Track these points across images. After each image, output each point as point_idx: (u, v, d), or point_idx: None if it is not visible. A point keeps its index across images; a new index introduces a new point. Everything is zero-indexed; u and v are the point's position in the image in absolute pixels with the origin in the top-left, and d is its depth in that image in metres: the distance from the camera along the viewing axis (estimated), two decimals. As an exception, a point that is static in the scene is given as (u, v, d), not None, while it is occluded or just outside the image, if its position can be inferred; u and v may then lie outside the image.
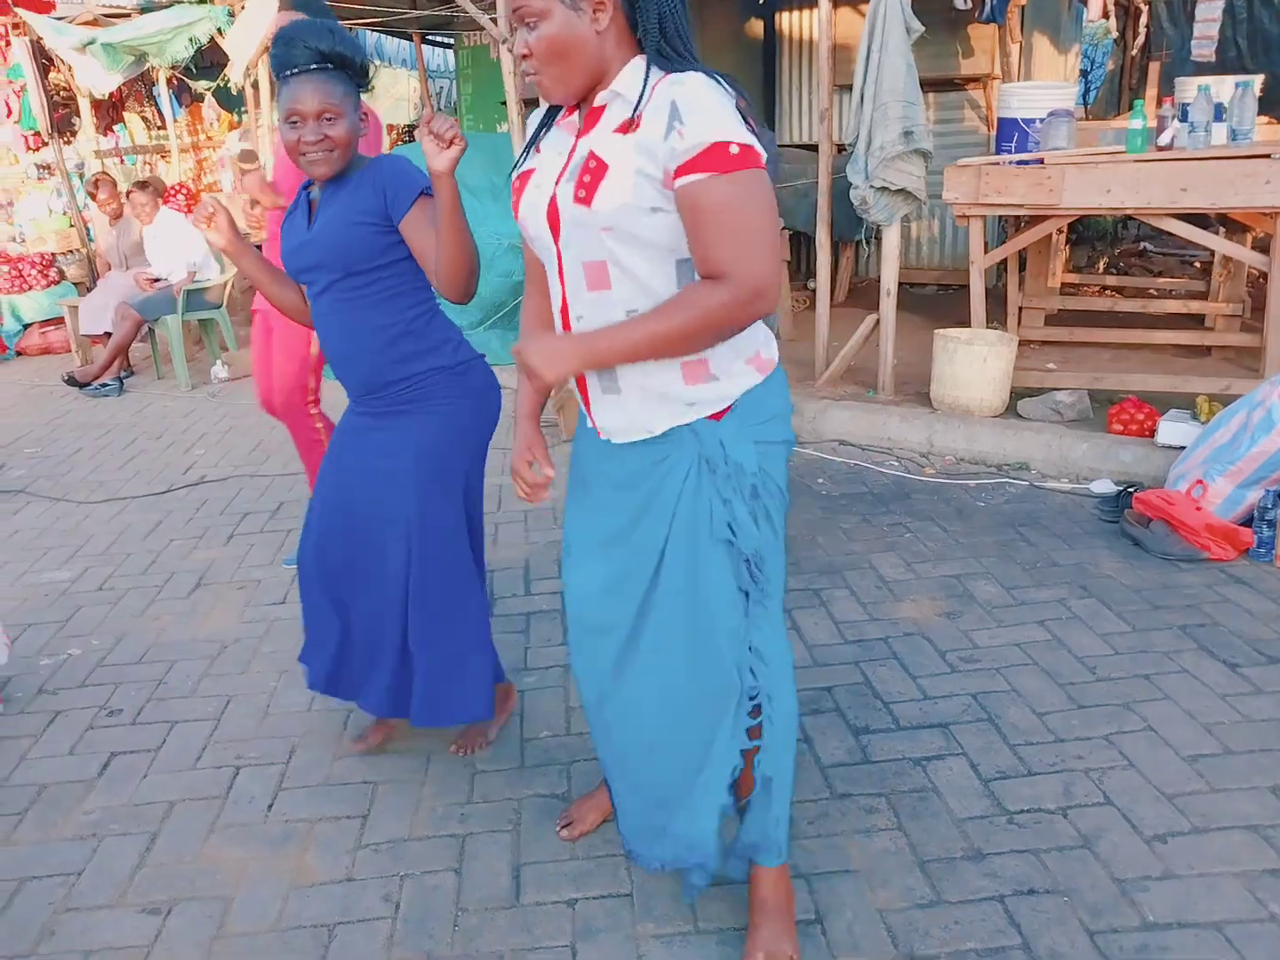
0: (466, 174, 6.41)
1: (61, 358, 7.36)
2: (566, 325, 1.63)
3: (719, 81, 1.43)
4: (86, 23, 7.88)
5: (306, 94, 2.03)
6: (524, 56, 1.47)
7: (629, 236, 1.47)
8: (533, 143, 1.63)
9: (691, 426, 1.61)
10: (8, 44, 8.03)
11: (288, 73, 2.04)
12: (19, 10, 7.58)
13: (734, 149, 1.38)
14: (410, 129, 10.06)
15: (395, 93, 10.23)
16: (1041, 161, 4.16)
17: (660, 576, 1.67)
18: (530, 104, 6.31)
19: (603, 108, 1.50)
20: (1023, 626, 2.99)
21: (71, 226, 8.24)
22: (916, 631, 3.00)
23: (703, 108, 1.37)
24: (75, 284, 8.03)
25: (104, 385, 6.25)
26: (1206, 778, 2.28)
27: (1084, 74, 7.05)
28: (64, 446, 5.31)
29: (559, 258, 1.58)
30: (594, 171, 1.45)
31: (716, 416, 1.60)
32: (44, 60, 7.89)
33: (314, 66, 2.03)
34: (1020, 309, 5.19)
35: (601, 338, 1.49)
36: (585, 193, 1.46)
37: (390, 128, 10.05)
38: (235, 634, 3.20)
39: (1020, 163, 4.24)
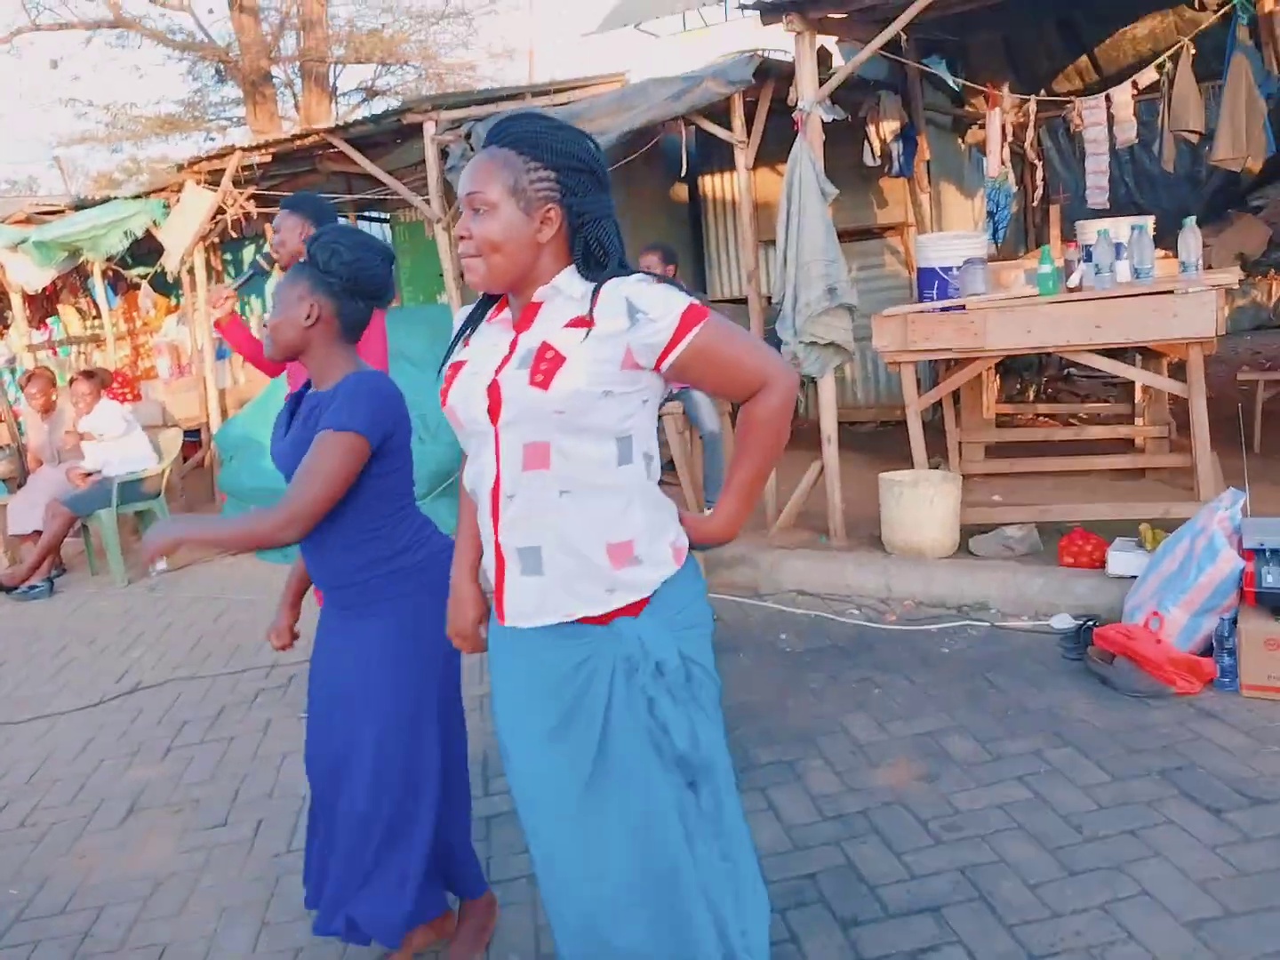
0: (409, 346, 6.48)
1: (-10, 557, 7.12)
2: (495, 504, 1.63)
3: (642, 276, 1.59)
4: (19, 221, 7.99)
5: (276, 287, 2.16)
6: (463, 238, 1.58)
7: (578, 417, 1.54)
8: (461, 336, 1.70)
9: (610, 627, 1.62)
10: (-62, 249, 8.06)
11: None
12: (-51, 216, 7.67)
13: (695, 305, 1.56)
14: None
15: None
16: (963, 307, 4.29)
17: (596, 779, 1.65)
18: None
19: (539, 304, 1.60)
20: (1003, 784, 2.88)
21: (1, 422, 8.12)
22: (895, 800, 2.88)
23: (653, 295, 1.54)
24: (4, 480, 7.85)
25: (33, 588, 6.02)
26: (1212, 947, 2.16)
27: (990, 215, 7.42)
28: (-10, 658, 5.06)
29: (495, 439, 1.61)
30: (551, 361, 1.54)
31: (634, 610, 1.63)
32: (-25, 259, 7.93)
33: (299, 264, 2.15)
34: (959, 444, 5.27)
35: (741, 485, 1.69)
36: (543, 378, 1.53)
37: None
38: (171, 866, 2.96)
39: (944, 309, 4.36)
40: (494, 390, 1.58)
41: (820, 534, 4.80)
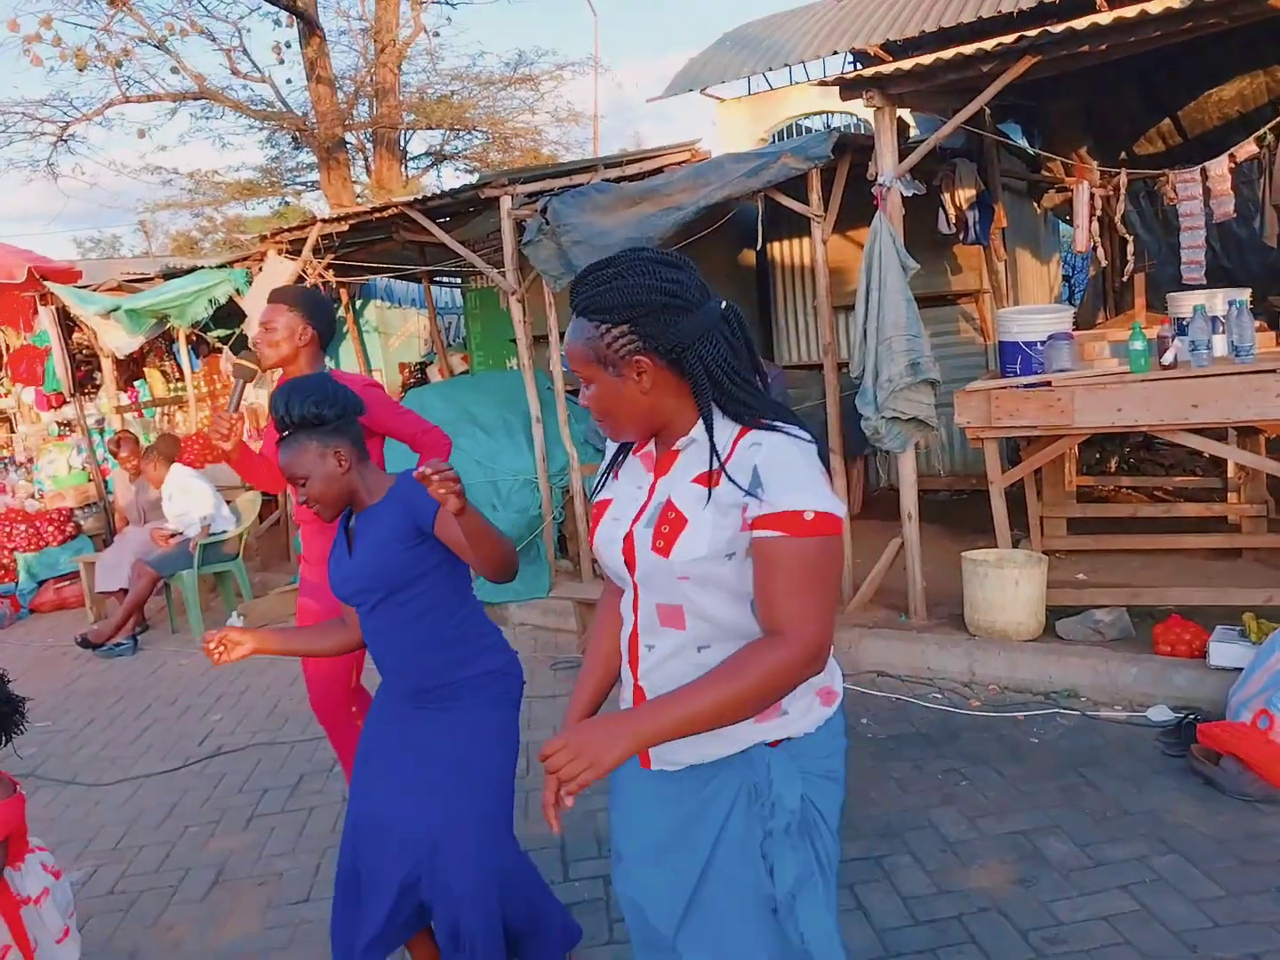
0: (480, 413, 6.57)
1: (75, 613, 7.31)
2: (634, 650, 1.63)
3: (796, 436, 1.48)
4: (110, 289, 8.30)
5: (281, 461, 2.22)
6: (585, 406, 1.57)
7: (705, 582, 1.50)
8: (610, 467, 1.69)
9: (745, 752, 1.58)
10: (35, 312, 8.41)
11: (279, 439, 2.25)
12: (46, 282, 8.00)
13: (809, 515, 1.42)
14: (421, 365, 10.39)
15: (405, 330, 10.64)
16: (1049, 384, 4.22)
17: (700, 893, 1.62)
18: (540, 340, 6.52)
19: (678, 452, 1.56)
20: (1106, 894, 2.76)
21: (90, 480, 8.38)
22: (991, 905, 2.77)
23: (782, 473, 1.44)
24: (91, 536, 8.08)
25: (118, 645, 6.16)
26: None
27: (1066, 279, 7.34)
28: (75, 718, 5.16)
29: (635, 589, 1.60)
30: (673, 523, 1.50)
31: (774, 743, 1.59)
32: (68, 322, 8.26)
33: (285, 434, 2.22)
34: (1041, 518, 5.15)
35: (661, 712, 1.42)
36: (664, 543, 1.50)
37: (402, 366, 10.39)
38: (256, 944, 2.97)
39: (1028, 385, 4.30)
40: (628, 544, 1.57)
41: (899, 612, 4.71)
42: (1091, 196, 4.74)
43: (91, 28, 14.33)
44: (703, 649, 1.54)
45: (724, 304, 1.53)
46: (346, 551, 2.32)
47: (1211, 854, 2.88)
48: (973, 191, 6.06)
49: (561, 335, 6.15)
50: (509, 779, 2.35)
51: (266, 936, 3.00)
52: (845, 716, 1.72)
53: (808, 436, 1.50)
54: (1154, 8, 3.55)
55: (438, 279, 9.73)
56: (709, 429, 1.49)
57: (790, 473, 1.43)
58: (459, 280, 9.80)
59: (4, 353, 8.98)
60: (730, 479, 1.46)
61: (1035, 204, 7.64)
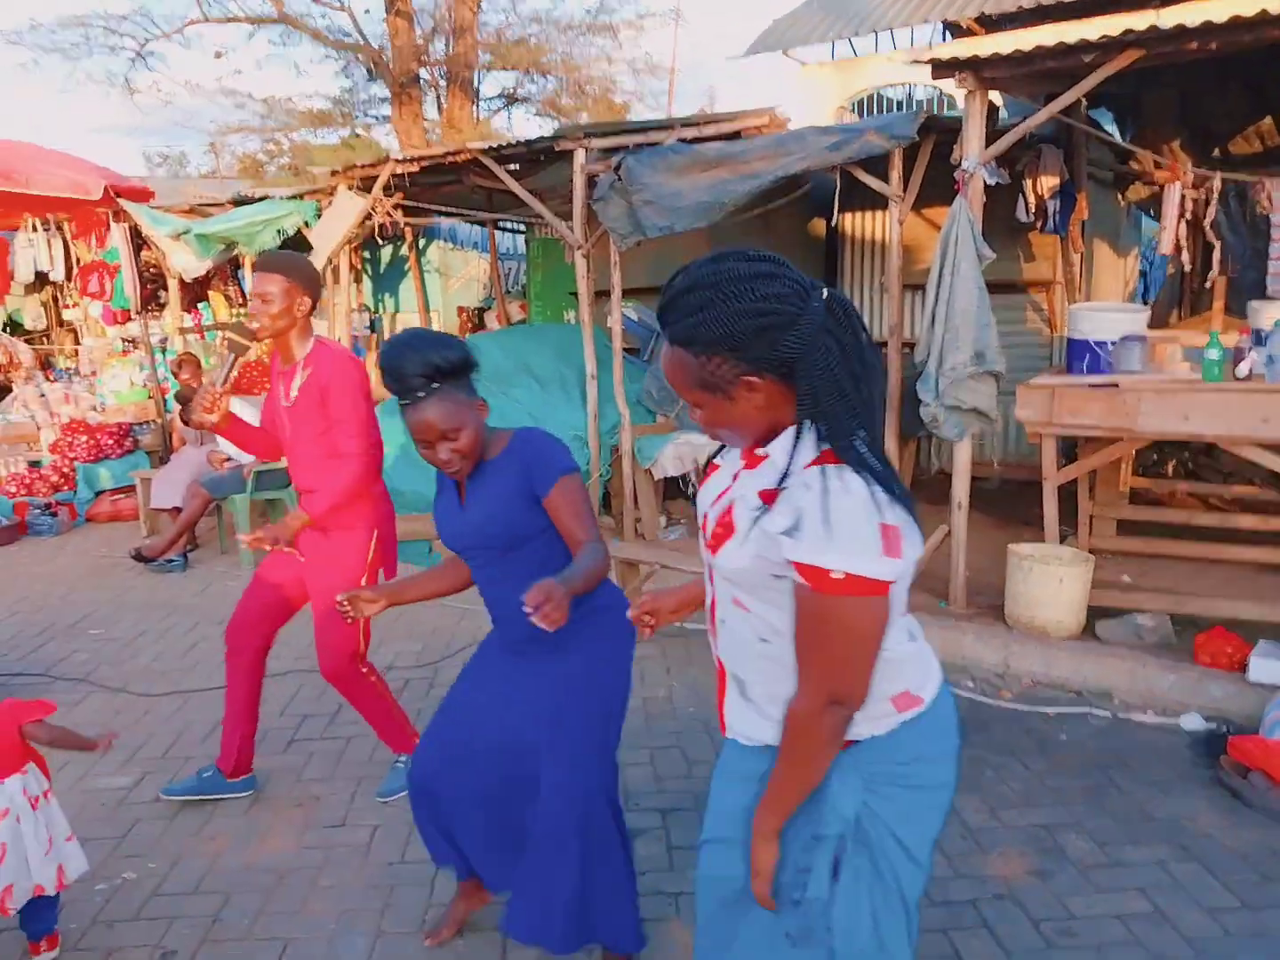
0: (536, 364, 6.62)
1: (129, 525, 7.52)
2: (713, 622, 1.63)
3: (861, 482, 1.36)
4: (182, 212, 8.42)
5: (426, 422, 2.13)
6: (697, 422, 1.53)
7: (754, 590, 1.49)
8: None
9: None
10: (107, 229, 8.56)
11: (404, 401, 2.14)
12: (120, 200, 8.13)
13: (836, 574, 1.34)
14: (479, 311, 10.44)
15: (466, 273, 10.68)
16: (1116, 385, 4.17)
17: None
18: (601, 295, 6.53)
19: (763, 457, 1.50)
20: (1122, 893, 2.80)
21: (150, 398, 8.57)
22: (1007, 894, 2.82)
23: (824, 525, 1.34)
24: (149, 453, 8.28)
25: (170, 561, 6.34)
26: None
27: (1143, 274, 7.17)
28: (127, 628, 5.34)
29: (710, 566, 1.59)
30: (725, 528, 1.48)
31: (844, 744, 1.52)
32: (138, 241, 8.41)
33: (423, 394, 2.12)
34: (1091, 517, 5.11)
35: (763, 814, 1.51)
36: (715, 543, 1.49)
37: (460, 310, 10.44)
38: (293, 862, 3.09)
39: (1094, 385, 4.25)
40: (704, 522, 1.57)
41: (939, 598, 4.72)
42: (1182, 199, 4.61)
43: (176, -56, 14.40)
44: (764, 641, 1.53)
45: (825, 294, 1.40)
46: (458, 504, 2.31)
47: (1232, 866, 2.90)
48: (1056, 180, 5.93)
49: (624, 294, 6.17)
50: (615, 705, 2.37)
51: (302, 855, 3.13)
52: (958, 719, 1.65)
53: (872, 481, 1.37)
54: (1276, 7, 3.42)
55: (501, 225, 9.75)
56: (791, 450, 1.42)
57: (832, 527, 1.34)
58: (523, 228, 9.81)
59: (75, 265, 9.17)
60: (778, 503, 1.41)
61: (1120, 196, 7.45)
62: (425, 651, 4.90)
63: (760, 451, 1.50)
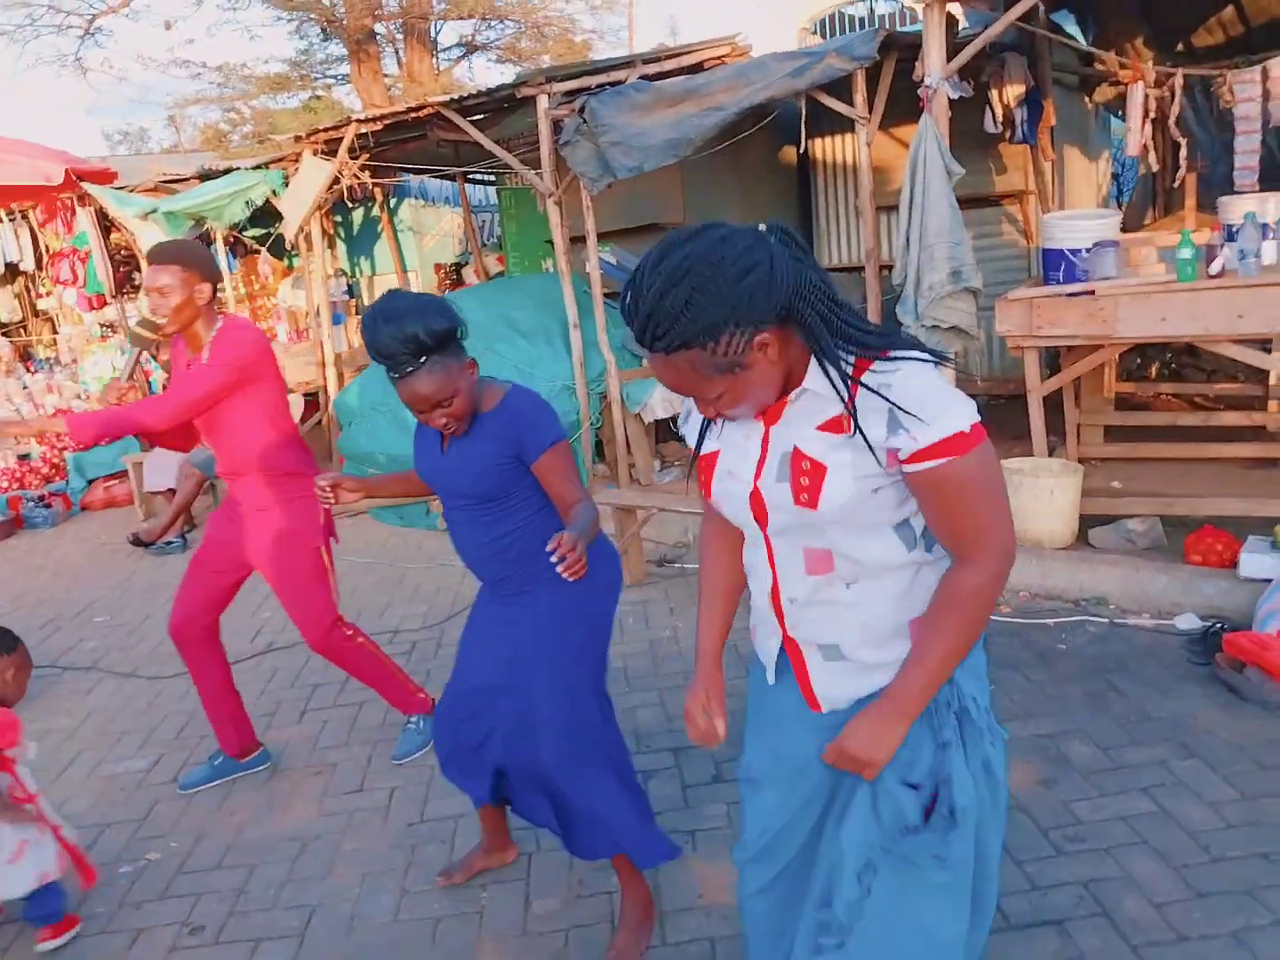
0: (518, 318, 6.55)
1: (125, 511, 7.54)
2: (777, 604, 1.61)
3: (916, 359, 1.42)
4: (147, 190, 8.30)
5: (419, 395, 2.12)
6: (713, 416, 1.51)
7: (851, 523, 1.48)
8: (710, 421, 1.60)
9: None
10: (73, 214, 8.44)
11: (395, 375, 2.12)
12: (83, 183, 8.00)
13: (968, 431, 1.39)
14: (456, 266, 10.33)
15: (440, 229, 10.53)
16: (1092, 292, 4.16)
17: (825, 817, 1.66)
18: (577, 241, 6.45)
19: (788, 401, 1.49)
20: (1126, 795, 2.87)
21: (132, 379, 8.50)
22: (1014, 804, 2.87)
23: (922, 405, 1.38)
24: (138, 435, 8.25)
25: (169, 543, 6.37)
26: (1352, 981, 2.13)
27: (1115, 177, 7.09)
28: (133, 613, 5.38)
29: (767, 542, 1.57)
30: (811, 474, 1.45)
31: None
32: (107, 224, 8.29)
33: (412, 369, 2.10)
34: (1078, 426, 5.12)
35: (909, 685, 1.49)
36: (809, 496, 1.45)
37: (438, 267, 10.32)
38: (315, 829, 3.16)
39: (1071, 294, 4.23)
40: (756, 500, 1.53)
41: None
42: (1146, 98, 4.55)
43: (113, -87, 13.97)
44: (850, 585, 1.53)
45: (770, 228, 1.39)
46: (439, 447, 2.33)
47: (1230, 758, 2.97)
48: (1022, 88, 5.84)
49: (600, 237, 6.11)
50: (586, 645, 2.38)
51: (323, 823, 3.20)
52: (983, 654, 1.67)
53: (925, 356, 1.43)
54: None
55: (471, 178, 9.60)
56: (831, 375, 1.41)
57: (935, 398, 1.38)
58: (492, 179, 9.66)
59: (45, 253, 9.05)
60: (860, 425, 1.40)
61: (1086, 99, 7.34)
62: (431, 613, 4.94)
63: (791, 395, 1.48)
